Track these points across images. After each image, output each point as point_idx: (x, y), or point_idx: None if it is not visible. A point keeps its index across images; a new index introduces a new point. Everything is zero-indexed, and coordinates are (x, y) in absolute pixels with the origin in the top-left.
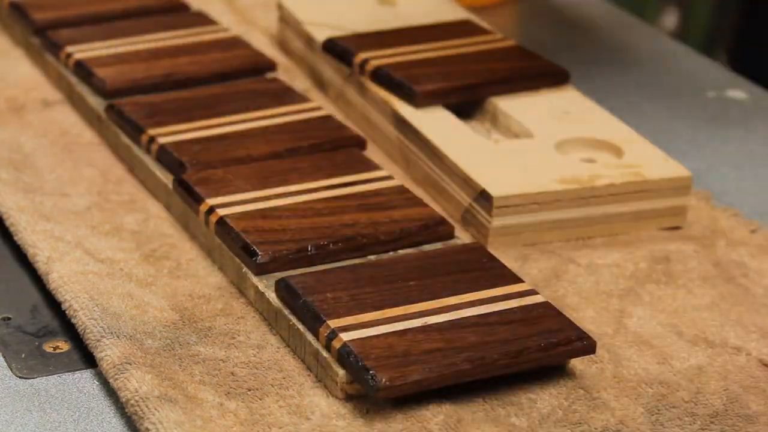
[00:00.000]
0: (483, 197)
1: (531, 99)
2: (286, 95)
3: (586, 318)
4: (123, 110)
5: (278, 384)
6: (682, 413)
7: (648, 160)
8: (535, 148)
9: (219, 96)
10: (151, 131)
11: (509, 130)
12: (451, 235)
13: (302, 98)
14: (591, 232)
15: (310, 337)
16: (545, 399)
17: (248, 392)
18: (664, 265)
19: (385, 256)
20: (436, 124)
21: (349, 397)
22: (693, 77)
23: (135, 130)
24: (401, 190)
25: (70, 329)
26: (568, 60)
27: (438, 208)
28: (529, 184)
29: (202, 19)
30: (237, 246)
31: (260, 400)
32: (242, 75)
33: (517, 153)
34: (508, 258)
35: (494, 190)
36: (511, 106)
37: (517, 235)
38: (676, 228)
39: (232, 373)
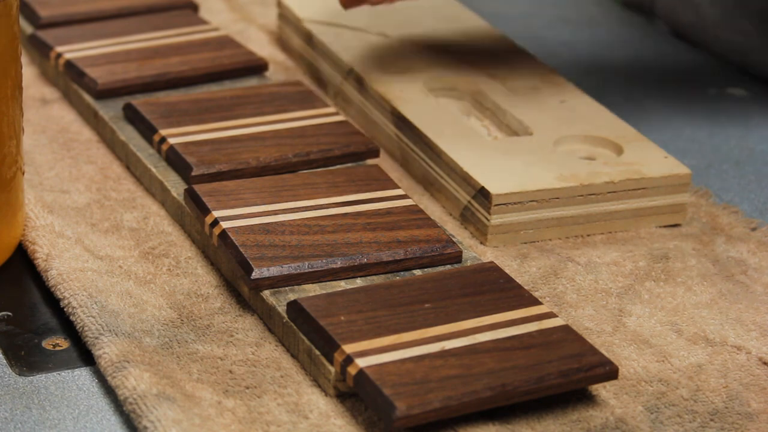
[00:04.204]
0: (482, 195)
1: (530, 97)
2: (307, 99)
3: (584, 316)
4: (138, 109)
5: (276, 382)
6: (682, 411)
7: (647, 157)
8: (534, 145)
9: (239, 98)
10: (164, 131)
11: (508, 127)
12: (458, 259)
13: (322, 103)
14: (590, 230)
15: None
16: (543, 397)
17: (246, 390)
18: (663, 262)
19: (398, 276)
20: (435, 121)
21: (341, 395)
22: (693, 74)
23: (148, 130)
24: (413, 210)
25: (69, 327)
26: (567, 57)
27: (437, 206)
28: (528, 182)
29: (193, 19)
30: (234, 260)
31: (258, 398)
32: (234, 75)
33: (516, 150)
34: (506, 256)
35: (493, 188)
36: (510, 103)
37: (516, 232)
38: (676, 226)
39: (230, 371)
